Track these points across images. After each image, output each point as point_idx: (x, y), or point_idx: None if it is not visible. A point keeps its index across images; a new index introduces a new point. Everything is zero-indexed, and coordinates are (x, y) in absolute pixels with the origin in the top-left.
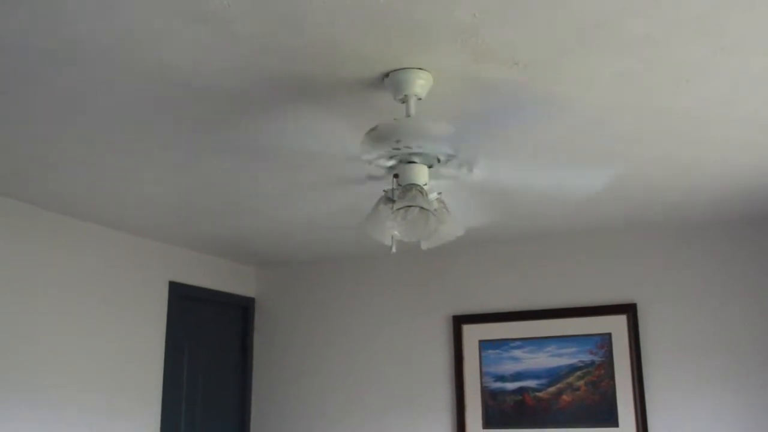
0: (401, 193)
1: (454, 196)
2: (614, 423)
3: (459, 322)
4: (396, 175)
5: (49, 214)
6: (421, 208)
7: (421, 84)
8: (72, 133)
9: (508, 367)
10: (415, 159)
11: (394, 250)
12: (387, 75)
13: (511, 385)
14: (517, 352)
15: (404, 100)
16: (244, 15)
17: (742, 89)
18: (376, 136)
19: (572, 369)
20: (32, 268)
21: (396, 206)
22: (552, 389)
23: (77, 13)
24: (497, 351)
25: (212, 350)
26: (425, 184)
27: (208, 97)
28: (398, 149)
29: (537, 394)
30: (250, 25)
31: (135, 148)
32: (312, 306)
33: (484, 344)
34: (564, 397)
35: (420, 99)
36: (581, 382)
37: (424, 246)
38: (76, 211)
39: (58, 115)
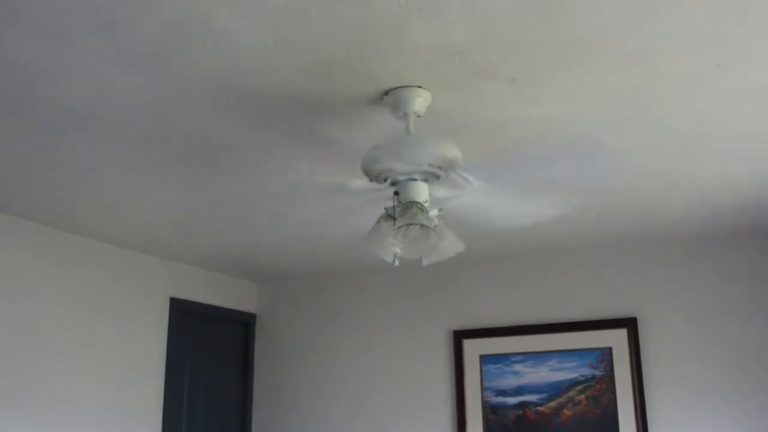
0: (402, 211)
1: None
2: None
3: (460, 336)
4: (396, 192)
5: (50, 230)
6: (422, 225)
7: (420, 102)
8: (74, 149)
9: (509, 382)
10: (416, 176)
11: (396, 263)
12: (386, 93)
13: (512, 400)
14: (518, 367)
15: (403, 118)
16: (245, 32)
17: (739, 103)
18: (378, 151)
19: (573, 383)
20: (33, 284)
21: (397, 224)
22: (553, 403)
23: (78, 28)
24: (498, 365)
25: (213, 366)
26: (425, 201)
27: (208, 113)
28: (399, 166)
29: (538, 408)
30: (252, 43)
31: (137, 165)
32: (313, 321)
33: (485, 359)
34: (565, 411)
35: (419, 116)
36: (582, 397)
37: (425, 262)
38: (77, 227)
39: (60, 131)
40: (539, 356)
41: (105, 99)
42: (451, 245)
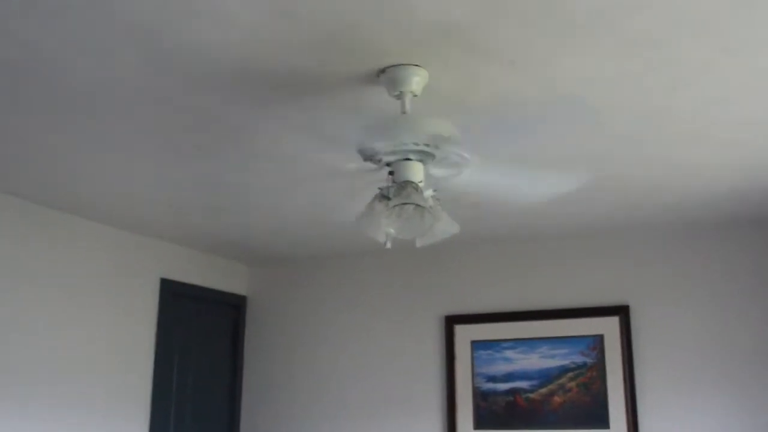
0: (396, 190)
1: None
2: (605, 425)
3: (451, 322)
4: (391, 172)
5: (39, 208)
6: (417, 205)
7: (416, 81)
8: (66, 129)
9: (500, 368)
10: (411, 156)
11: (389, 245)
12: (383, 71)
13: (502, 386)
14: (509, 353)
15: (399, 97)
16: (241, 6)
17: (742, 90)
18: (372, 130)
19: (564, 370)
20: (20, 263)
21: (391, 203)
22: (543, 390)
23: (76, 9)
24: (489, 351)
25: (203, 348)
26: (420, 182)
27: (203, 91)
28: (394, 145)
29: (528, 395)
30: (247, 17)
31: (128, 143)
32: (304, 305)
33: (476, 345)
34: (555, 398)
35: (415, 96)
36: (573, 384)
37: (418, 243)
38: (66, 206)
39: (54, 111)
40: (530, 343)
41: (97, 78)
42: (445, 226)
